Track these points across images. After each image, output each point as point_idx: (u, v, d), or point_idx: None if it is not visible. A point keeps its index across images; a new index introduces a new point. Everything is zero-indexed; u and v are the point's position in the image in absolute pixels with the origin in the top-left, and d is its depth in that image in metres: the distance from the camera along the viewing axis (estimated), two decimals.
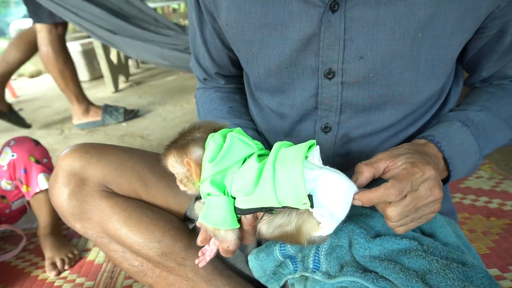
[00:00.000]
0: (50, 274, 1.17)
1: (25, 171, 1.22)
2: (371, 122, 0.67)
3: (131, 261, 0.81)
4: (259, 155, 0.54)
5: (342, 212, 0.51)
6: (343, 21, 0.58)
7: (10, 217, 1.32)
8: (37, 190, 1.23)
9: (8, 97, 3.06)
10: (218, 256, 0.81)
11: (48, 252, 1.22)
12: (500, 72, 0.69)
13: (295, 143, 0.56)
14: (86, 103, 2.49)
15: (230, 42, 0.71)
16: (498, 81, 0.72)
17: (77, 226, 0.80)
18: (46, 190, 1.21)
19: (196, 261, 0.65)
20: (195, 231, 0.79)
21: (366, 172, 0.54)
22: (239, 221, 0.56)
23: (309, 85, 0.66)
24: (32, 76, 4.29)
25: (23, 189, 1.23)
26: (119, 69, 3.47)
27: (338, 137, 0.69)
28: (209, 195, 0.55)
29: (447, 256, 0.61)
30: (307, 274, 0.66)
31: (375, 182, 0.55)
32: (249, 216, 0.55)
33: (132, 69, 4.19)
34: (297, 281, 0.69)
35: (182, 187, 0.60)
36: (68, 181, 0.77)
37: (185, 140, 0.57)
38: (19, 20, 4.96)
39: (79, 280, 1.15)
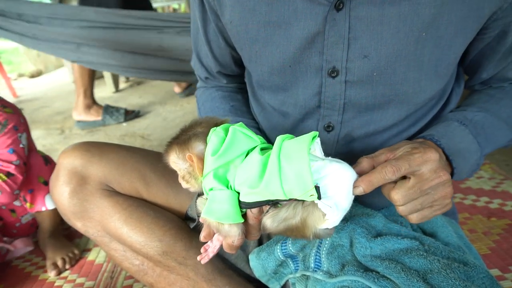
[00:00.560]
0: (51, 274, 1.17)
1: (32, 191, 1.20)
2: (374, 122, 0.67)
3: (131, 260, 0.81)
4: (262, 149, 0.54)
5: (347, 201, 0.51)
6: (348, 20, 0.58)
7: (22, 230, 1.31)
8: (43, 209, 1.22)
9: (9, 97, 3.07)
10: (219, 256, 0.81)
11: (49, 252, 1.22)
12: (500, 74, 0.70)
13: None
14: (91, 101, 2.50)
15: (233, 40, 0.71)
16: (498, 84, 0.72)
17: (78, 224, 0.80)
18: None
19: (199, 258, 0.64)
20: (196, 230, 0.79)
21: (364, 162, 0.55)
22: (244, 215, 0.56)
23: (312, 84, 0.66)
24: (33, 76, 4.29)
25: (26, 206, 1.22)
26: None
27: (341, 136, 0.69)
28: (212, 189, 0.55)
29: (448, 256, 0.61)
30: (308, 274, 0.66)
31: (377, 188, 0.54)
32: (255, 210, 0.55)
33: None
34: (298, 280, 0.69)
35: (184, 184, 0.59)
36: (69, 179, 0.77)
37: (187, 135, 0.57)
38: None
39: (79, 280, 1.14)
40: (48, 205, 1.22)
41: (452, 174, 0.62)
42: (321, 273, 0.64)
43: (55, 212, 1.23)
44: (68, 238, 1.33)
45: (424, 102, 0.67)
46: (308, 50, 0.62)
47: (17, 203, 1.24)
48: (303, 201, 0.51)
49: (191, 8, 0.77)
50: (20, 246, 1.27)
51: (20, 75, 4.29)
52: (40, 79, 4.25)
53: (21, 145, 1.16)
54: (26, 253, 1.30)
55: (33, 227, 1.34)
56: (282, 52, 0.64)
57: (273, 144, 0.52)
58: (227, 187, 0.54)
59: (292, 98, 0.69)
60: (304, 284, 0.68)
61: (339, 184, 0.50)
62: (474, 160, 0.64)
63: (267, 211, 0.54)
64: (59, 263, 1.19)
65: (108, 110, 2.52)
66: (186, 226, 0.82)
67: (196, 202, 0.62)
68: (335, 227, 0.53)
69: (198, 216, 0.59)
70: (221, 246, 0.62)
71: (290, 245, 0.70)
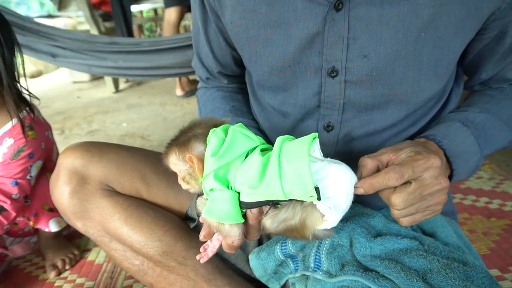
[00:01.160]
0: (50, 275, 1.17)
1: (36, 215, 1.18)
2: (373, 121, 0.67)
3: (131, 260, 0.81)
4: (262, 150, 0.54)
5: (346, 203, 0.51)
6: (347, 20, 0.58)
7: (26, 233, 1.29)
8: (46, 230, 1.20)
9: None
10: (219, 256, 0.81)
11: (49, 253, 1.22)
12: (499, 74, 0.70)
13: None
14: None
15: (233, 41, 0.71)
16: (497, 84, 0.72)
17: (78, 224, 0.80)
18: None
19: (198, 257, 0.64)
20: (196, 231, 0.79)
21: (369, 164, 0.54)
22: (244, 216, 0.56)
23: (312, 84, 0.66)
24: (33, 76, 4.28)
25: (30, 223, 1.19)
26: None
27: (341, 136, 0.69)
28: (212, 190, 0.55)
29: (448, 255, 0.61)
30: (308, 273, 0.66)
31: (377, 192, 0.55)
32: (255, 210, 0.55)
33: None
34: (298, 280, 0.69)
35: (184, 186, 0.59)
36: (70, 179, 0.77)
37: (186, 136, 0.57)
38: None
39: (79, 281, 1.14)
40: (52, 228, 1.19)
41: (451, 176, 0.62)
42: (321, 273, 0.64)
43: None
44: (68, 239, 1.33)
45: (423, 102, 0.67)
46: (307, 50, 0.63)
47: (20, 218, 1.21)
48: (302, 202, 0.51)
49: (191, 9, 0.78)
50: (19, 252, 1.27)
51: (20, 76, 4.29)
52: (40, 79, 4.26)
53: (28, 176, 1.11)
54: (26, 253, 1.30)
55: (37, 230, 1.33)
56: (282, 52, 0.64)
57: (273, 145, 0.53)
58: (228, 187, 0.54)
59: (292, 98, 0.70)
60: (304, 284, 0.68)
61: (338, 185, 0.50)
62: (474, 161, 0.64)
63: (267, 212, 0.54)
64: (59, 264, 1.19)
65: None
66: (186, 226, 0.82)
67: (196, 202, 0.62)
68: (334, 228, 0.53)
69: (198, 216, 0.59)
70: (221, 246, 0.62)
71: (290, 245, 0.71)
